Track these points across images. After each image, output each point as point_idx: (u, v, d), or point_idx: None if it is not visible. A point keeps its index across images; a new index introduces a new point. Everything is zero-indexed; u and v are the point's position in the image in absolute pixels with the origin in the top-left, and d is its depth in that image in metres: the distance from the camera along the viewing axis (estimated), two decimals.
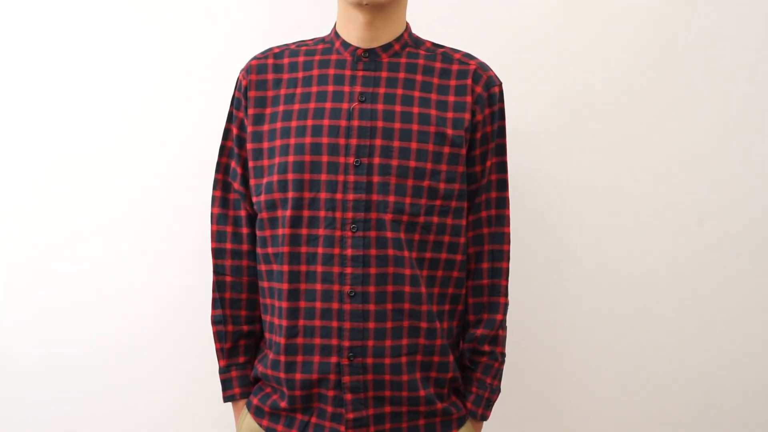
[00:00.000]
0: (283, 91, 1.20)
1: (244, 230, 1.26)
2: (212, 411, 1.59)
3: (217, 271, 1.27)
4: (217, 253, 1.27)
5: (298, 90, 1.19)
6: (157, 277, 1.64)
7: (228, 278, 1.26)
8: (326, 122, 1.15)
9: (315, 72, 1.20)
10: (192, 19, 1.62)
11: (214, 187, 1.28)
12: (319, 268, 1.14)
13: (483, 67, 1.22)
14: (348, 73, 1.18)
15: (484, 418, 1.25)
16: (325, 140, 1.15)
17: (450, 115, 1.18)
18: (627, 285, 1.67)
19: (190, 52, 1.62)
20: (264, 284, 1.21)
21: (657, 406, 1.69)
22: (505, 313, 1.25)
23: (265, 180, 1.18)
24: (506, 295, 1.26)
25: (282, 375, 1.16)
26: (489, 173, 1.24)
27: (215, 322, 1.27)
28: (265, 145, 1.19)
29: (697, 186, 1.65)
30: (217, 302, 1.26)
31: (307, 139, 1.15)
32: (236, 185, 1.25)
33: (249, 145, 1.21)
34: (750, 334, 1.68)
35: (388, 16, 1.17)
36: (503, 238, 1.25)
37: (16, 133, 1.63)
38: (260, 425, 1.21)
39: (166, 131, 1.63)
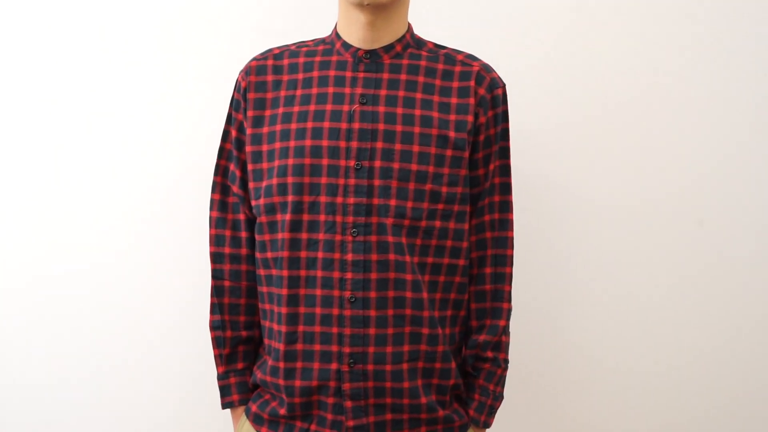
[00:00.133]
0: (282, 93, 1.18)
1: (243, 234, 1.24)
2: (211, 418, 1.58)
3: (216, 275, 1.25)
4: (216, 258, 1.25)
5: (298, 92, 1.17)
6: (158, 278, 1.64)
7: (227, 283, 1.25)
8: (326, 125, 1.14)
9: (315, 73, 1.18)
10: (192, 19, 1.61)
11: (213, 190, 1.26)
12: (319, 273, 1.12)
13: (486, 69, 1.20)
14: (349, 74, 1.16)
15: (487, 425, 1.24)
16: (325, 143, 1.13)
17: (452, 117, 1.16)
18: (632, 289, 1.66)
19: (191, 52, 1.61)
20: (263, 289, 1.20)
21: (661, 414, 1.68)
22: (508, 319, 1.24)
23: (264, 183, 1.16)
24: (509, 300, 1.24)
25: (281, 382, 1.15)
26: (492, 176, 1.22)
27: (213, 327, 1.25)
28: (265, 147, 1.17)
29: (698, 186, 1.64)
30: (216, 307, 1.25)
31: (307, 142, 1.13)
32: (235, 188, 1.24)
33: (248, 148, 1.19)
34: (752, 339, 1.67)
35: (389, 16, 1.15)
36: (506, 243, 1.24)
37: (16, 133, 1.63)
38: None
39: (167, 131, 1.63)
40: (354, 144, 1.13)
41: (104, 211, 1.63)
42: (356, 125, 1.13)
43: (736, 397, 1.68)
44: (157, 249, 1.63)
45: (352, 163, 1.12)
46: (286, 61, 1.21)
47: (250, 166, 1.19)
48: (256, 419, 1.20)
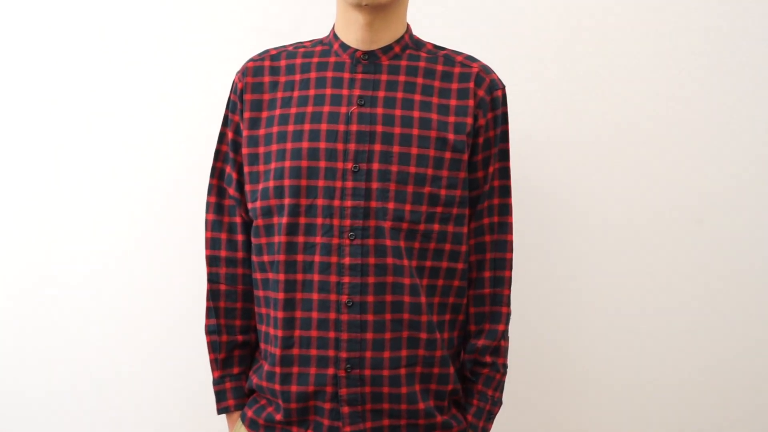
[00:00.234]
0: (279, 94, 1.17)
1: (240, 237, 1.23)
2: (207, 422, 1.57)
3: (212, 279, 1.24)
4: (212, 261, 1.24)
5: (296, 93, 1.16)
6: (157, 279, 1.64)
7: (222, 287, 1.23)
8: (324, 126, 1.12)
9: (313, 74, 1.17)
10: (191, 19, 1.61)
11: (209, 193, 1.25)
12: (316, 277, 1.11)
13: (486, 70, 1.19)
14: (347, 75, 1.15)
15: (485, 431, 1.22)
16: (322, 145, 1.11)
17: (452, 119, 1.14)
18: (632, 292, 1.65)
19: (190, 52, 1.61)
20: (259, 293, 1.19)
21: (660, 420, 1.68)
22: (507, 323, 1.22)
23: (260, 186, 1.15)
24: (508, 304, 1.23)
25: (277, 387, 1.14)
26: (491, 179, 1.20)
27: (209, 331, 1.24)
28: (261, 149, 1.16)
29: (698, 186, 1.64)
30: (211, 311, 1.23)
31: (305, 144, 1.12)
32: (231, 191, 1.22)
33: (244, 150, 1.18)
34: (751, 337, 1.67)
35: (388, 17, 1.14)
36: (506, 246, 1.22)
37: (17, 133, 1.63)
38: None
39: (166, 131, 1.62)
40: (352, 146, 1.11)
41: (104, 211, 1.63)
42: (354, 127, 1.12)
43: (736, 397, 1.67)
44: (156, 250, 1.63)
45: (349, 165, 1.11)
46: (283, 62, 1.19)
47: (246, 169, 1.18)
48: (251, 425, 1.19)
